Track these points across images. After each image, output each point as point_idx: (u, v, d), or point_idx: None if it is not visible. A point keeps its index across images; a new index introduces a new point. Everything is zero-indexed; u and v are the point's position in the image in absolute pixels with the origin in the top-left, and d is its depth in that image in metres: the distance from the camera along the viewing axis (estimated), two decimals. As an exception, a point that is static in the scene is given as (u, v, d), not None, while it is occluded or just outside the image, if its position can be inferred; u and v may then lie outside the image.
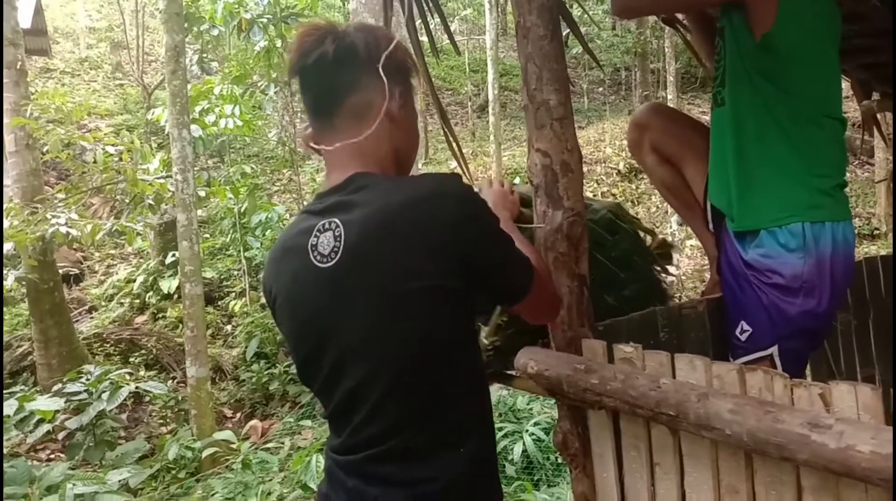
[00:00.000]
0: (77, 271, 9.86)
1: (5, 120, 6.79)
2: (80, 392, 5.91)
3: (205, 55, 11.17)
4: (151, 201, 7.32)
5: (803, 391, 1.11)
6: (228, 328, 8.93)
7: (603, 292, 1.65)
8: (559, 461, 4.71)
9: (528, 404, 5.50)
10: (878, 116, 3.50)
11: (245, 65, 9.49)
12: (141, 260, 9.96)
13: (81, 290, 9.66)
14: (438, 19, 2.18)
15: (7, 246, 6.26)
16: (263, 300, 8.56)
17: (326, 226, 1.15)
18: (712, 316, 1.81)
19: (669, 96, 11.35)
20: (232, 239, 9.64)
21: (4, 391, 6.08)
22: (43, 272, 6.96)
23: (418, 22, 2.12)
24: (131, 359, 7.88)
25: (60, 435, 6.09)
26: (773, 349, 1.65)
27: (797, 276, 1.61)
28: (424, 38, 2.36)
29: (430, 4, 2.12)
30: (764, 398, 1.16)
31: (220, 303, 9.26)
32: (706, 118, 1.99)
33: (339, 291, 1.14)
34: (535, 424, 5.03)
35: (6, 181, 6.93)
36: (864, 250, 9.63)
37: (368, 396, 1.15)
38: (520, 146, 13.70)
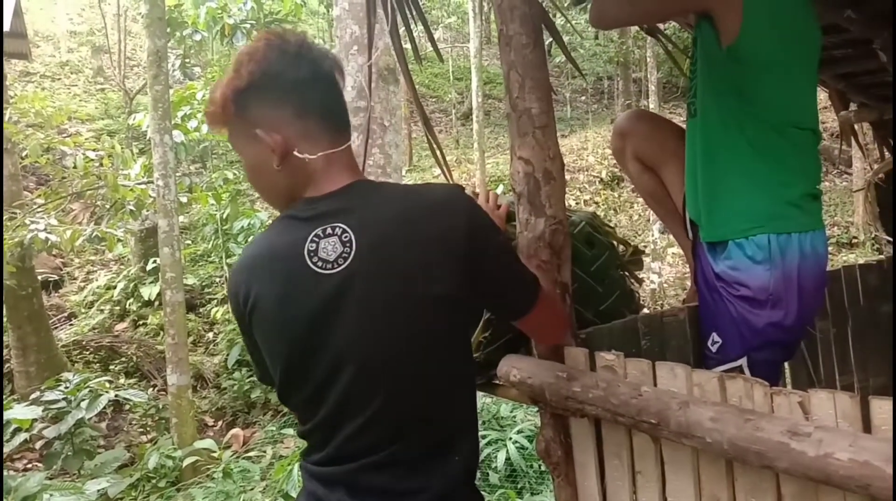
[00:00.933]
0: (56, 278, 9.74)
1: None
2: (58, 400, 5.84)
3: (187, 60, 11.12)
4: (132, 207, 7.26)
5: (783, 399, 1.11)
6: (210, 335, 8.85)
7: (581, 307, 1.65)
8: (542, 469, 4.71)
9: (511, 411, 5.51)
10: (856, 126, 3.55)
11: (226, 71, 9.44)
12: (121, 267, 9.87)
13: (61, 296, 9.55)
14: (422, 27, 2.19)
15: (-16, 252, 6.17)
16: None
17: (329, 231, 1.13)
18: (693, 324, 1.81)
19: (651, 105, 11.45)
20: (214, 246, 9.57)
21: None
22: (21, 279, 6.87)
23: (402, 30, 2.12)
24: (111, 367, 7.80)
25: (38, 444, 6.01)
26: (743, 361, 1.66)
27: (764, 288, 1.61)
28: (408, 46, 2.36)
29: (414, 12, 2.12)
30: (744, 406, 1.16)
31: (201, 310, 9.18)
32: (687, 127, 2.00)
33: (349, 296, 1.11)
34: (519, 432, 5.04)
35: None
36: (842, 258, 9.75)
37: (368, 403, 1.13)
38: (503, 154, 13.75)
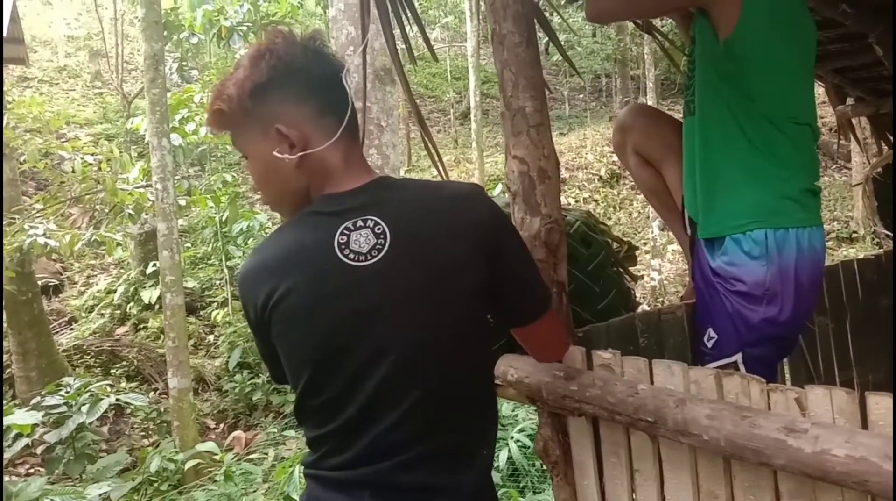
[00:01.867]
0: (56, 283, 9.73)
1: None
2: (59, 405, 5.83)
3: (184, 63, 11.12)
4: (131, 211, 7.25)
5: (780, 395, 1.11)
6: (211, 338, 8.85)
7: (578, 308, 1.64)
8: (544, 467, 4.70)
9: (513, 410, 5.50)
10: (854, 120, 3.55)
11: (225, 73, 9.43)
12: (121, 271, 9.86)
13: (61, 301, 9.54)
14: (417, 29, 2.18)
15: (-17, 258, 6.17)
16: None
17: (360, 224, 1.12)
18: (691, 321, 1.81)
19: (649, 102, 11.45)
20: (213, 248, 9.57)
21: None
22: (21, 284, 6.86)
23: (397, 31, 2.11)
24: (112, 371, 7.79)
25: (39, 449, 5.99)
26: (738, 357, 1.65)
27: (759, 284, 1.61)
28: (403, 46, 2.35)
29: (409, 14, 2.11)
30: (741, 403, 1.16)
31: (201, 313, 9.18)
32: (685, 124, 2.00)
33: (385, 288, 1.11)
34: (521, 431, 5.03)
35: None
36: (842, 253, 9.75)
37: (405, 396, 1.11)
38: (502, 153, 13.66)
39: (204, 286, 9.58)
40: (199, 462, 5.76)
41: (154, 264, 8.34)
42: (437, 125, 16.12)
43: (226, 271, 9.13)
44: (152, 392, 7.62)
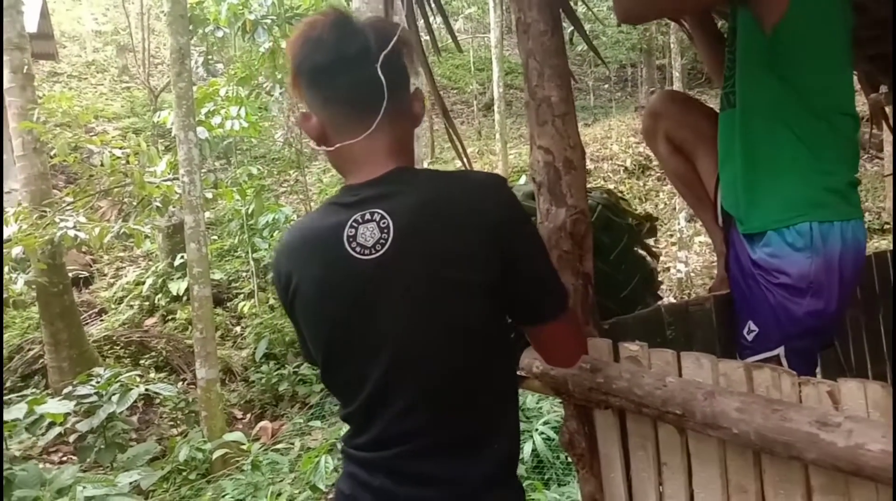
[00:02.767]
0: (86, 275, 9.90)
1: (13, 124, 6.83)
2: (90, 395, 5.94)
3: (210, 57, 11.21)
4: (159, 204, 7.34)
5: (811, 388, 1.09)
6: (237, 329, 8.95)
7: (602, 298, 1.62)
8: (569, 460, 4.69)
9: (537, 403, 5.49)
10: (887, 109, 3.46)
11: (250, 66, 9.51)
12: (149, 263, 10.00)
13: (91, 293, 9.71)
14: (441, 19, 2.17)
15: (16, 250, 6.29)
16: (273, 301, 8.71)
17: (368, 217, 1.13)
18: (719, 313, 1.79)
19: (676, 92, 11.28)
20: (240, 241, 9.66)
21: (16, 395, 6.12)
22: (52, 276, 6.99)
23: (421, 22, 2.10)
24: (141, 361, 7.91)
25: (72, 438, 6.12)
26: (780, 350, 1.62)
27: (804, 276, 1.58)
28: (427, 38, 2.34)
29: (433, 4, 2.10)
30: (771, 396, 1.14)
31: (228, 305, 9.28)
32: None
33: (386, 281, 1.12)
34: (545, 423, 5.02)
35: (14, 185, 6.96)
36: (875, 244, 9.55)
37: (407, 389, 1.14)
38: (526, 145, 13.63)
39: (231, 278, 9.68)
40: (227, 452, 5.83)
41: (182, 257, 8.44)
42: (460, 117, 16.07)
43: (252, 263, 9.21)
44: (180, 383, 7.72)
